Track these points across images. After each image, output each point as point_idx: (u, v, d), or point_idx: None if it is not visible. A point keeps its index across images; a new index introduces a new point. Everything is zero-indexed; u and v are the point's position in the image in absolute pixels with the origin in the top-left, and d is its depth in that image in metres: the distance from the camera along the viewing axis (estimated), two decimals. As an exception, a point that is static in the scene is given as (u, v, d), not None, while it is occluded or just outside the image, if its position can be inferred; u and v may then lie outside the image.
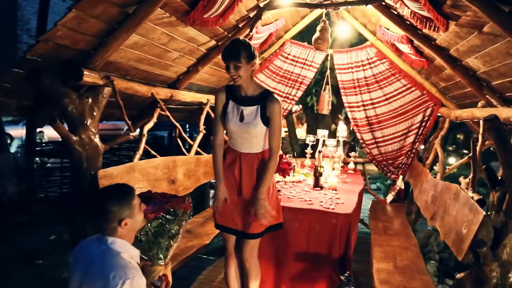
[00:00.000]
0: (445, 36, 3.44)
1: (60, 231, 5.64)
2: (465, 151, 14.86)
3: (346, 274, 2.79)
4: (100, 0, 2.68)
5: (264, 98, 2.73)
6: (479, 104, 3.83)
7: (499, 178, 2.61)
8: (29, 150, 8.41)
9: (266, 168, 2.74)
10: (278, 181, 4.03)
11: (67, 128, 3.03)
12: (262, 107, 2.71)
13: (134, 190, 2.08)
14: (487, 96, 3.72)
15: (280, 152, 3.84)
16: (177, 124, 4.48)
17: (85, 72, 2.97)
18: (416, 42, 4.07)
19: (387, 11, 3.90)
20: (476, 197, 2.68)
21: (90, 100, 3.10)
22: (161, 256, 2.27)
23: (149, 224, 2.19)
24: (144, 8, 2.95)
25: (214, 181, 2.93)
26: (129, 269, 1.90)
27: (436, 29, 3.16)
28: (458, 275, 2.50)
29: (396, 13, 3.86)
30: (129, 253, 2.01)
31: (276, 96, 2.75)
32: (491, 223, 2.30)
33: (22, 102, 3.17)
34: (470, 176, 3.16)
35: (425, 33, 3.76)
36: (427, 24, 3.24)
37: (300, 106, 9.09)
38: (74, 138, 2.97)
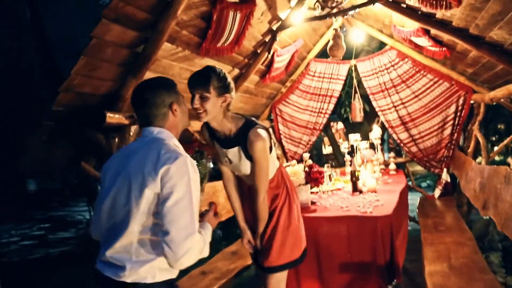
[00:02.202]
0: (461, 14, 2.74)
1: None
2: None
3: (394, 283, 2.09)
4: (106, 44, 2.35)
5: (241, 138, 1.95)
6: (514, 79, 3.02)
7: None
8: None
9: (255, 208, 2.05)
10: (316, 192, 3.41)
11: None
12: (243, 147, 1.96)
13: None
14: (521, 69, 2.92)
15: (310, 161, 3.26)
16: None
17: (108, 115, 2.62)
18: (432, 31, 3.38)
19: (396, 6, 3.27)
20: (532, 176, 1.92)
21: (117, 140, 2.76)
22: None
23: None
24: (151, 45, 2.58)
25: None
26: (181, 150, 1.49)
27: (448, 5, 2.49)
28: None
29: (405, 6, 3.21)
30: (177, 145, 1.56)
31: (254, 132, 1.91)
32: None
33: (64, 152, 2.89)
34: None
35: (439, 18, 3.07)
36: (438, 4, 2.58)
37: (342, 125, 8.37)
38: (103, 177, 2.60)
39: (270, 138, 2.02)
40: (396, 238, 2.53)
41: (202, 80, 1.83)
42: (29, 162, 2.72)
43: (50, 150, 2.77)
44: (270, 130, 2.08)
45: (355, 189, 3.32)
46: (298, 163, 3.15)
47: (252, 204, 2.06)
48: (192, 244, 1.35)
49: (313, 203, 3.02)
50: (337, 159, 7.18)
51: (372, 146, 4.50)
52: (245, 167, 2.01)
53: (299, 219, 2.18)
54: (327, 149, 12.65)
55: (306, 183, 2.92)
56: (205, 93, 1.82)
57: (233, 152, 2.00)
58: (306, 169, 2.95)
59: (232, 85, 1.94)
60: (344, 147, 4.10)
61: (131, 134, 2.86)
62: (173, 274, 1.50)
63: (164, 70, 3.00)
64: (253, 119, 2.04)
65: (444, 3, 2.48)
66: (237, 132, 1.95)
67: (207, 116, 1.86)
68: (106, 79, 2.60)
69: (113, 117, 2.67)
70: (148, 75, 2.75)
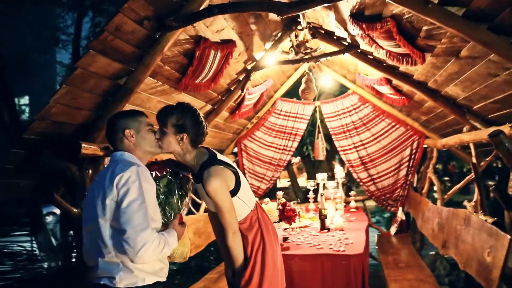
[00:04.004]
0: (422, 70, 3.06)
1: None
2: (446, 178, 14.18)
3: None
4: (90, 74, 2.33)
5: (202, 176, 1.92)
6: (465, 129, 3.36)
7: None
8: (62, 225, 7.91)
9: (227, 247, 1.98)
10: (285, 228, 3.49)
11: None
12: (203, 185, 1.92)
13: (144, 114, 1.87)
14: (470, 121, 3.27)
15: (283, 199, 3.34)
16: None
17: (83, 145, 2.55)
18: (394, 81, 3.69)
19: (364, 56, 3.56)
20: (490, 219, 2.14)
21: (90, 171, 2.67)
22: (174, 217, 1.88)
23: (159, 185, 1.85)
24: (134, 78, 2.59)
25: None
26: (136, 163, 1.68)
27: (414, 62, 2.77)
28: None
29: (372, 57, 3.51)
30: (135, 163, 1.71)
31: (208, 172, 1.88)
32: (520, 247, 1.75)
33: (28, 182, 2.74)
34: (476, 199, 2.62)
35: (402, 71, 3.39)
36: (404, 60, 2.87)
37: (299, 158, 8.62)
38: (75, 210, 2.51)
39: (237, 177, 1.97)
40: (366, 275, 2.64)
41: (162, 116, 1.91)
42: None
43: (16, 178, 2.62)
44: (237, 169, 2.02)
45: (323, 227, 3.43)
46: (271, 200, 3.22)
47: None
48: (147, 238, 1.50)
49: (285, 239, 3.08)
50: (296, 195, 7.36)
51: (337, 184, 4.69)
52: (210, 204, 2.02)
53: (274, 266, 2.05)
54: (281, 183, 12.89)
55: (279, 220, 2.99)
56: (163, 128, 1.89)
57: (200, 188, 2.00)
58: (280, 207, 3.03)
59: (194, 124, 1.92)
60: (310, 185, 4.25)
61: (105, 165, 2.79)
62: (160, 277, 1.66)
63: (141, 103, 3.00)
64: (218, 156, 2.01)
65: (410, 60, 2.76)
66: (200, 170, 1.93)
67: (165, 150, 1.91)
68: (84, 109, 2.56)
69: (88, 148, 2.60)
70: (126, 107, 2.75)
